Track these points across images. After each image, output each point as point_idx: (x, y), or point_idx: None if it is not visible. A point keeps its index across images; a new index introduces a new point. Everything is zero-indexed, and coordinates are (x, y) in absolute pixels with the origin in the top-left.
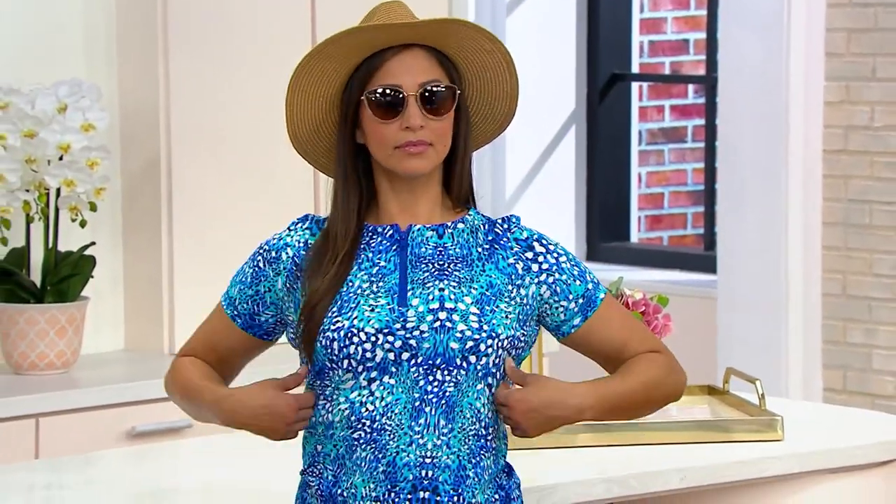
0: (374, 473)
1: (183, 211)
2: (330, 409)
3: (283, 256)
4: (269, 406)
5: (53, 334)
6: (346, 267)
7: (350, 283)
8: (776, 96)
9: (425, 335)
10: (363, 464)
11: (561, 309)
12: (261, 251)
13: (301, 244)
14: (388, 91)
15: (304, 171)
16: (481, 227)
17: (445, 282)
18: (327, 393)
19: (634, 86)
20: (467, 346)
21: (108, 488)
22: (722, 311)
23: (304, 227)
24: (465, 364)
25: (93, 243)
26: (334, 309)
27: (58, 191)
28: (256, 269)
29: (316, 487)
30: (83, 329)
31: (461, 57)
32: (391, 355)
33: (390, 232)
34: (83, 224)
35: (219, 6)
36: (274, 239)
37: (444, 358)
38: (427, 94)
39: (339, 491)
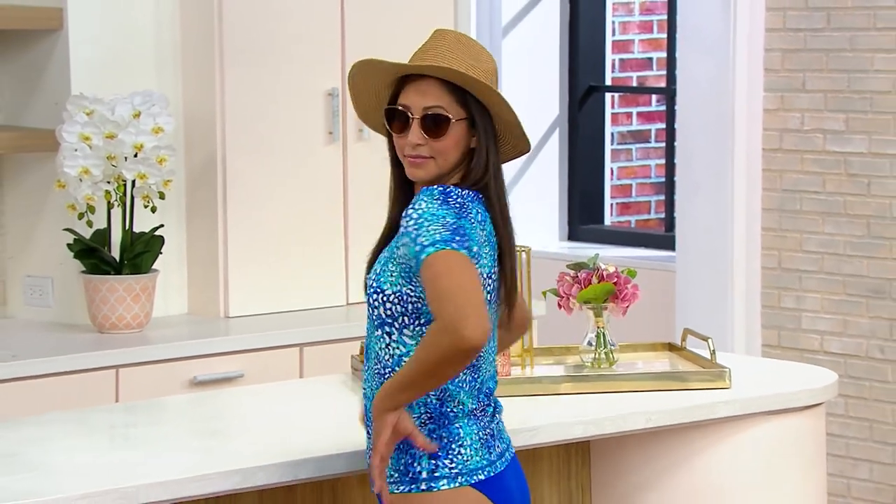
0: None
1: (235, 199)
2: None
3: None
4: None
5: (130, 300)
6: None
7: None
8: (724, 105)
9: None
10: None
11: (410, 267)
12: None
13: None
14: (398, 110)
15: (336, 167)
16: None
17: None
18: None
19: (608, 96)
20: (368, 300)
21: (175, 427)
22: (679, 282)
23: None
24: (369, 312)
25: (161, 225)
26: None
27: (133, 182)
28: None
29: None
30: (154, 296)
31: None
32: None
33: None
34: (154, 210)
35: (266, 29)
36: None
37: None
38: (427, 118)
39: None
